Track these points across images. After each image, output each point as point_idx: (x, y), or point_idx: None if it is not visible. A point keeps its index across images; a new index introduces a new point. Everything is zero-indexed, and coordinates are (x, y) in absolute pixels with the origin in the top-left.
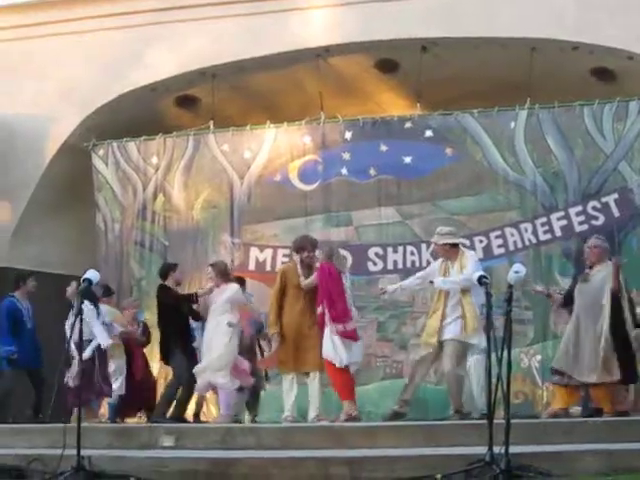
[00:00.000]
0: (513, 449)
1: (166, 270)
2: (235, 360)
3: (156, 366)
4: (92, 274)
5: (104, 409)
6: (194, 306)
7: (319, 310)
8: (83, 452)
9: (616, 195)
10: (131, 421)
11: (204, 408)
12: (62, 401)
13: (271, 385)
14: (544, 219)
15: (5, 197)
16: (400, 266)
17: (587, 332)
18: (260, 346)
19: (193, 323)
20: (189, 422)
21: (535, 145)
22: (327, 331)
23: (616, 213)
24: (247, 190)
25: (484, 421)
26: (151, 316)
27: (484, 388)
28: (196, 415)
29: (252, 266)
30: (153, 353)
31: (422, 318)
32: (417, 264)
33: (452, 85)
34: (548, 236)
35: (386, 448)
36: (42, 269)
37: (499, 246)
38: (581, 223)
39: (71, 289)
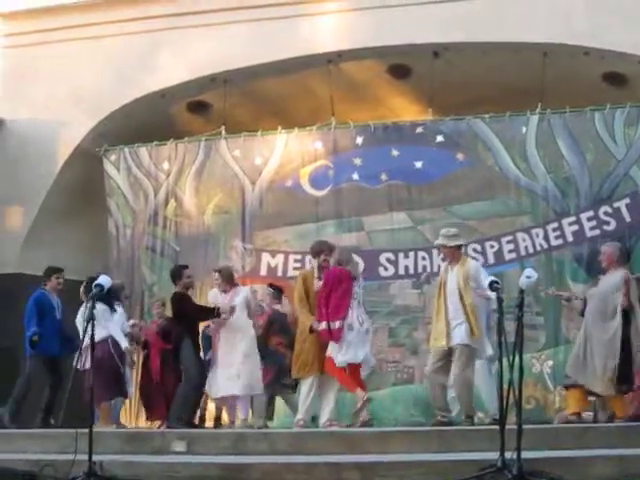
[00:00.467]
0: (525, 454)
1: (177, 273)
2: (254, 366)
3: None
4: (104, 279)
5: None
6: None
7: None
8: (95, 457)
9: (628, 200)
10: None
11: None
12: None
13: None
14: (555, 224)
15: (17, 202)
16: (411, 271)
17: (597, 342)
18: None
19: None
20: (199, 426)
21: (546, 150)
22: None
23: (627, 218)
24: (258, 195)
25: (496, 426)
26: None
27: (492, 392)
28: (217, 419)
29: (264, 271)
30: None
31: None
32: (428, 269)
33: (463, 90)
34: (560, 241)
35: (398, 453)
36: None
37: (510, 251)
38: (592, 228)
39: (83, 288)
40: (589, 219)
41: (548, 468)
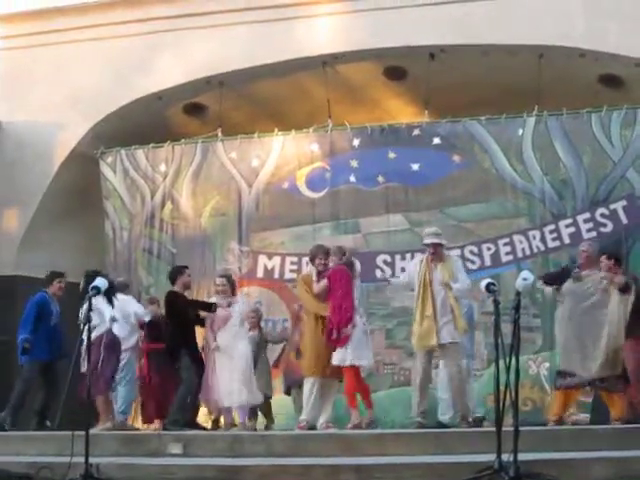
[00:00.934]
0: (522, 456)
1: (176, 273)
2: (253, 376)
3: None
4: (100, 282)
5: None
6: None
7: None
8: (91, 460)
9: (624, 202)
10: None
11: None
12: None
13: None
14: (552, 226)
15: (14, 204)
16: None
17: (589, 331)
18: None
19: None
20: (201, 427)
21: (543, 152)
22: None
23: (624, 220)
24: (255, 198)
25: (493, 428)
26: None
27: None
28: (215, 421)
29: (260, 273)
30: None
31: None
32: None
33: (460, 92)
34: (556, 243)
35: (395, 455)
36: None
37: (507, 253)
38: (589, 230)
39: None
40: (586, 221)
41: (545, 470)
